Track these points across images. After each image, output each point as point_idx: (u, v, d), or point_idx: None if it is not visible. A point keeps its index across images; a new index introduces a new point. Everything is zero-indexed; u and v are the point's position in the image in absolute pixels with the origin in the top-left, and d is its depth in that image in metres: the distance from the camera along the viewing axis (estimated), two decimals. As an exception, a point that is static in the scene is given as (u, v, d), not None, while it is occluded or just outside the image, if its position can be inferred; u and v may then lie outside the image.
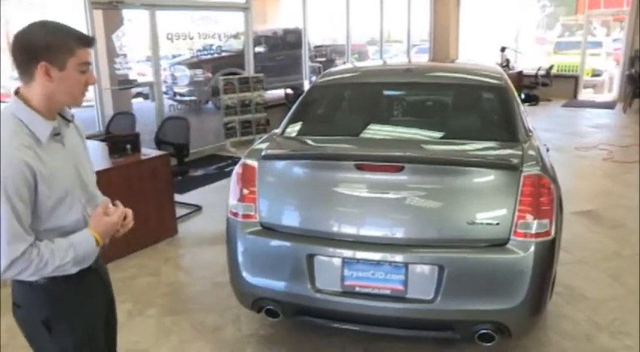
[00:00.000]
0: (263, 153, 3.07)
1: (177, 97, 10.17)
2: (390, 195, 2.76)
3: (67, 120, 1.85)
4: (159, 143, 5.77)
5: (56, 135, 1.75)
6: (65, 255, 1.71)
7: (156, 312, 3.74)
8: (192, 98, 10.34)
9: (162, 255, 4.66)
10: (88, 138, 5.72)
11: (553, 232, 2.67)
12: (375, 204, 2.80)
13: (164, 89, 8.51)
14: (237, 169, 3.09)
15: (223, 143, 8.51)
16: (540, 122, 9.58)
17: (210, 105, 10.42)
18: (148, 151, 4.94)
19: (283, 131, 3.49)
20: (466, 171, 2.76)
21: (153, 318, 3.67)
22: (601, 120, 10.94)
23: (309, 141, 3.38)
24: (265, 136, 3.60)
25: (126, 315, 3.67)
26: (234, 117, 8.39)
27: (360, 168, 2.80)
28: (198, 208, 5.76)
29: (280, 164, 3.09)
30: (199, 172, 7.29)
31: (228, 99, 8.29)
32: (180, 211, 5.45)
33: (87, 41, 1.71)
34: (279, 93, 10.35)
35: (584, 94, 13.94)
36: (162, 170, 4.85)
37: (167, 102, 8.64)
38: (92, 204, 1.89)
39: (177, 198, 5.56)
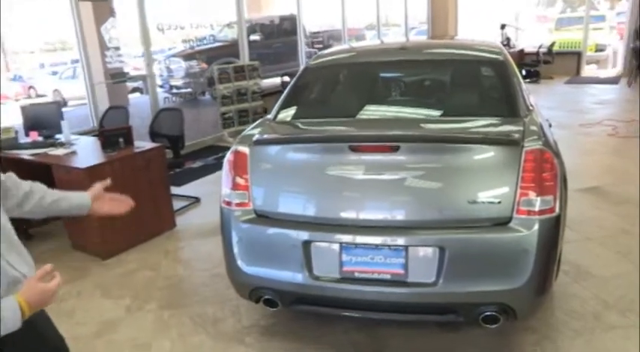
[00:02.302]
0: (254, 139, 2.98)
1: (174, 90, 10.09)
2: (387, 177, 2.66)
3: None
4: (153, 136, 5.68)
5: None
6: None
7: (155, 307, 3.67)
8: (189, 90, 10.26)
9: (162, 249, 4.58)
10: (83, 134, 5.67)
11: (557, 209, 2.57)
12: (371, 186, 2.70)
13: (160, 82, 8.42)
14: (229, 156, 2.99)
15: (221, 133, 8.41)
16: (543, 100, 9.46)
17: (207, 96, 10.33)
18: (142, 144, 4.84)
19: (275, 116, 3.39)
20: (465, 149, 2.65)
21: (152, 313, 3.60)
22: (605, 95, 10.79)
23: (303, 125, 3.28)
24: (257, 122, 3.50)
25: (124, 311, 3.62)
26: (231, 107, 8.28)
27: (354, 149, 2.70)
28: (196, 200, 5.69)
29: (272, 149, 2.99)
30: (197, 164, 7.21)
31: (224, 89, 8.17)
32: (178, 204, 5.38)
33: None
34: (276, 81, 10.26)
35: (588, 70, 13.80)
36: (156, 162, 4.76)
37: (162, 95, 8.54)
38: (12, 248, 1.52)
39: (175, 190, 5.48)
